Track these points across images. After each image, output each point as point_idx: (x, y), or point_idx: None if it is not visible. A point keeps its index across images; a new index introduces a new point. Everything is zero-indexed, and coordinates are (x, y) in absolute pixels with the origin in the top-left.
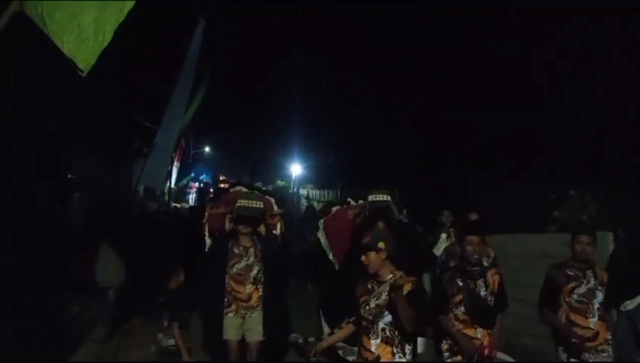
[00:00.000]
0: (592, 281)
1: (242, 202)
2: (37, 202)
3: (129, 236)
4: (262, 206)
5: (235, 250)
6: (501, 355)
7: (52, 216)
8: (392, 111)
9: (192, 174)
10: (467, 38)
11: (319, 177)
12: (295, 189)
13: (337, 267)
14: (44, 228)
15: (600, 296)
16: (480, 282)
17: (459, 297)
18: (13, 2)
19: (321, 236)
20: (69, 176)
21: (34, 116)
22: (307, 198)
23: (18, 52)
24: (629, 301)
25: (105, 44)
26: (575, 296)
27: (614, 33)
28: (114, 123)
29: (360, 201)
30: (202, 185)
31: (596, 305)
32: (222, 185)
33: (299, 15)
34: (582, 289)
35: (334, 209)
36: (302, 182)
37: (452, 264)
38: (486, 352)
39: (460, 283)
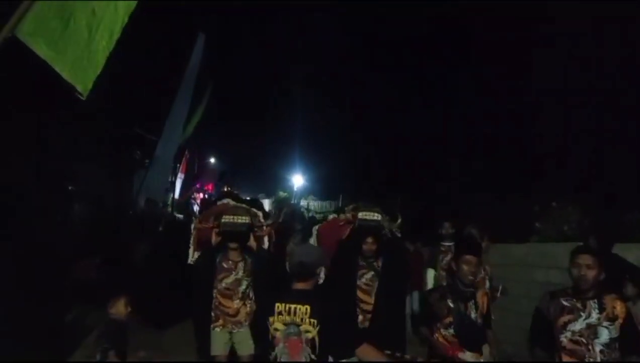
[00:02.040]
0: (594, 315)
1: (227, 218)
2: (37, 213)
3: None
4: (247, 220)
5: (224, 265)
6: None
7: (53, 226)
8: (392, 124)
9: (197, 186)
10: (470, 56)
11: (320, 188)
12: (296, 201)
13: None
14: (44, 238)
15: (605, 335)
16: (470, 304)
17: (448, 319)
18: (5, 27)
19: (314, 244)
20: (70, 187)
21: (34, 128)
22: (308, 209)
23: (16, 67)
24: None
25: (99, 70)
26: (568, 333)
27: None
28: (116, 135)
29: (351, 213)
30: (206, 196)
31: (598, 347)
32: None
33: (300, 29)
34: (579, 325)
35: (330, 217)
36: (304, 193)
37: (444, 282)
38: (450, 352)
39: (451, 305)
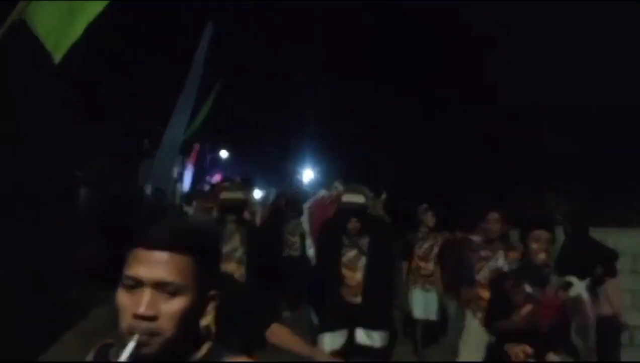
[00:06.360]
0: None
1: (224, 194)
2: (43, 198)
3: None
4: (242, 196)
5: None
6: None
7: (58, 212)
8: (402, 119)
9: (207, 178)
10: (469, 63)
11: (330, 181)
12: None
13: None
14: (50, 224)
15: None
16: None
17: (526, 309)
18: (15, 9)
19: (304, 221)
20: (76, 172)
21: (42, 114)
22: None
23: (27, 54)
24: None
25: (75, 39)
26: None
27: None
28: (123, 123)
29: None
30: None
31: None
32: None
33: (312, 22)
34: None
35: (320, 194)
36: (315, 187)
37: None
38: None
39: (529, 291)
